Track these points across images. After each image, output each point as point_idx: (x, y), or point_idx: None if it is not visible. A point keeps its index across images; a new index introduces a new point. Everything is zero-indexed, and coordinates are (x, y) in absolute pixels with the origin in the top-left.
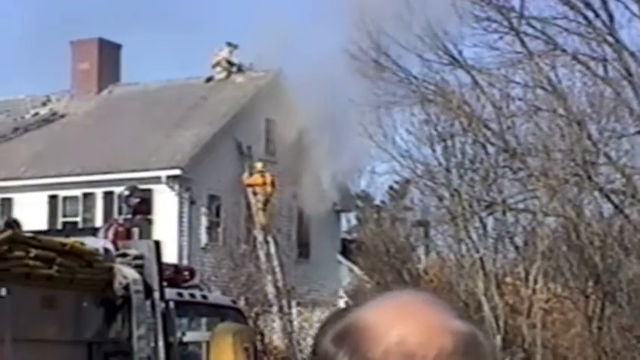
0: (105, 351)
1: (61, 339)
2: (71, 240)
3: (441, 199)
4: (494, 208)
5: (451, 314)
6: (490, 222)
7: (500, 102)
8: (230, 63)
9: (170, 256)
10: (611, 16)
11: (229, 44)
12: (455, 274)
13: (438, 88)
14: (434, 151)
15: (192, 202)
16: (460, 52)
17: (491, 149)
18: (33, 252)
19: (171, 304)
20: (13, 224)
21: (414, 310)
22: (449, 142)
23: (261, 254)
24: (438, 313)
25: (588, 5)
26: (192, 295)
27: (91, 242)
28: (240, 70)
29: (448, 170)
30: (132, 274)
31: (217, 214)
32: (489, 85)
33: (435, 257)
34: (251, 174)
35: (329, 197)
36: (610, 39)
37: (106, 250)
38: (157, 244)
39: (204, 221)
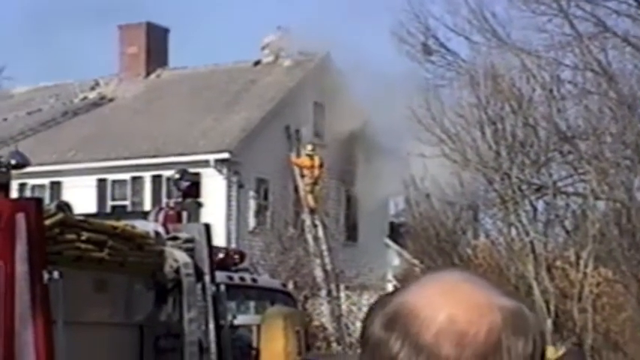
0: (156, 334)
1: (112, 322)
2: (122, 223)
3: (490, 182)
4: (544, 192)
5: (496, 291)
6: (540, 205)
7: (549, 85)
8: (280, 47)
9: (218, 239)
10: None
11: (279, 28)
12: (505, 257)
13: (486, 71)
14: (483, 134)
15: (240, 186)
16: (509, 35)
17: (541, 132)
18: (84, 235)
19: (222, 288)
20: (64, 207)
21: (460, 289)
22: (499, 125)
23: (310, 238)
24: (484, 290)
25: None
26: (242, 279)
27: (141, 225)
28: (288, 54)
29: (498, 153)
30: (183, 257)
31: (265, 198)
32: (538, 68)
33: (484, 241)
34: (299, 156)
35: (381, 182)
36: None
37: (157, 234)
38: (208, 227)
39: (252, 205)
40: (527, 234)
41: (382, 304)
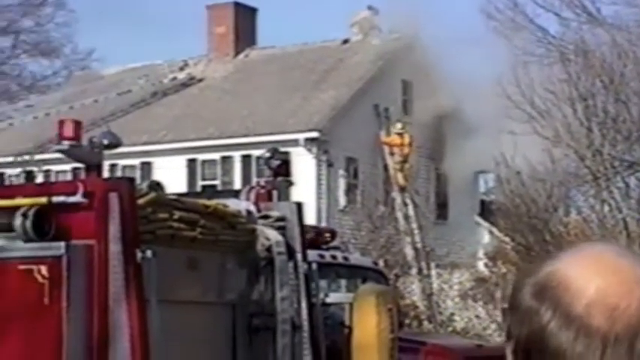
0: (248, 312)
1: (205, 300)
2: (214, 202)
3: (582, 158)
4: (636, 168)
5: None
6: (633, 182)
7: None
8: (369, 25)
9: (309, 218)
10: None
11: (370, 7)
12: (597, 234)
13: (576, 47)
14: (575, 110)
15: (330, 165)
16: (598, 10)
17: (633, 108)
18: (177, 214)
19: (314, 266)
20: (156, 187)
21: (611, 262)
22: (590, 102)
23: (400, 216)
24: (634, 263)
25: None
26: (333, 257)
27: (233, 204)
28: (377, 32)
29: (590, 130)
30: (274, 235)
31: (355, 176)
32: (630, 44)
33: (576, 218)
34: (388, 134)
35: (470, 160)
36: None
37: (249, 212)
38: (299, 205)
39: (342, 183)
40: (620, 211)
41: (532, 273)
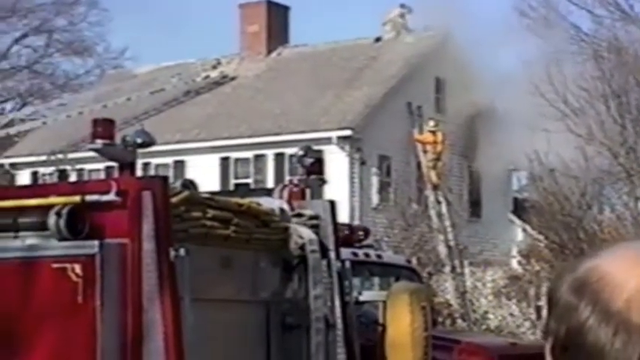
0: (282, 311)
1: (238, 299)
2: (247, 200)
3: (616, 156)
4: None
5: None
6: None
7: None
8: (401, 23)
9: (342, 216)
10: None
11: (402, 6)
12: (631, 232)
13: (609, 44)
14: (608, 107)
15: (362, 163)
16: (631, 7)
17: None
18: (210, 212)
19: (347, 264)
20: (190, 185)
21: None
22: (623, 99)
23: (433, 214)
24: None
25: None
26: (367, 255)
27: (266, 202)
28: (410, 30)
29: (623, 127)
30: (308, 234)
31: (388, 174)
32: None
33: (610, 215)
34: (421, 132)
35: (503, 158)
36: None
37: (282, 210)
38: (332, 204)
39: (375, 181)
40: None
41: (571, 269)
